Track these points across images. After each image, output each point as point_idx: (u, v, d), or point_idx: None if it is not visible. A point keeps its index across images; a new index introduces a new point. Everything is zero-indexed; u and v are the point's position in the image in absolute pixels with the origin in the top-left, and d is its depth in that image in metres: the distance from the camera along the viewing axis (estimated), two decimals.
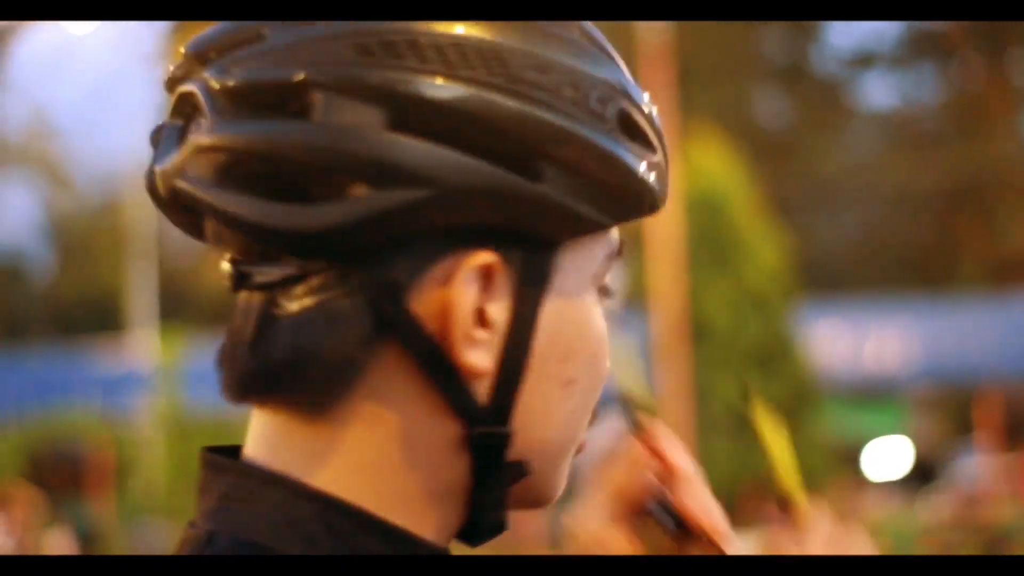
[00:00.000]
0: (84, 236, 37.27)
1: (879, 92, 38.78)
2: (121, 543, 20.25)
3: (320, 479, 0.96)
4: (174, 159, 0.97)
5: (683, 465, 1.11)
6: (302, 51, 0.94)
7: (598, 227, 0.98)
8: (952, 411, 25.93)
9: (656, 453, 1.11)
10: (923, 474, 23.05)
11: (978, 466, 20.54)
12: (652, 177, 1.00)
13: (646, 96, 1.03)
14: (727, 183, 19.03)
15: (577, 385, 1.00)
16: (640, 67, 17.78)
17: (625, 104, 0.99)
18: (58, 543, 14.01)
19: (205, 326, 23.77)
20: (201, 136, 0.95)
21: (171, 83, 1.00)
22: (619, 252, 1.04)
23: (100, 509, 22.83)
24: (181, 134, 0.97)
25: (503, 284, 0.96)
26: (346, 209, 0.91)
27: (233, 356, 0.98)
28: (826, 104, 33.69)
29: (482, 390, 0.96)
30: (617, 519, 1.11)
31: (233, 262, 0.98)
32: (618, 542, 1.11)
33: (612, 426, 1.10)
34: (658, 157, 1.01)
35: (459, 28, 0.94)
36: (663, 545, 1.12)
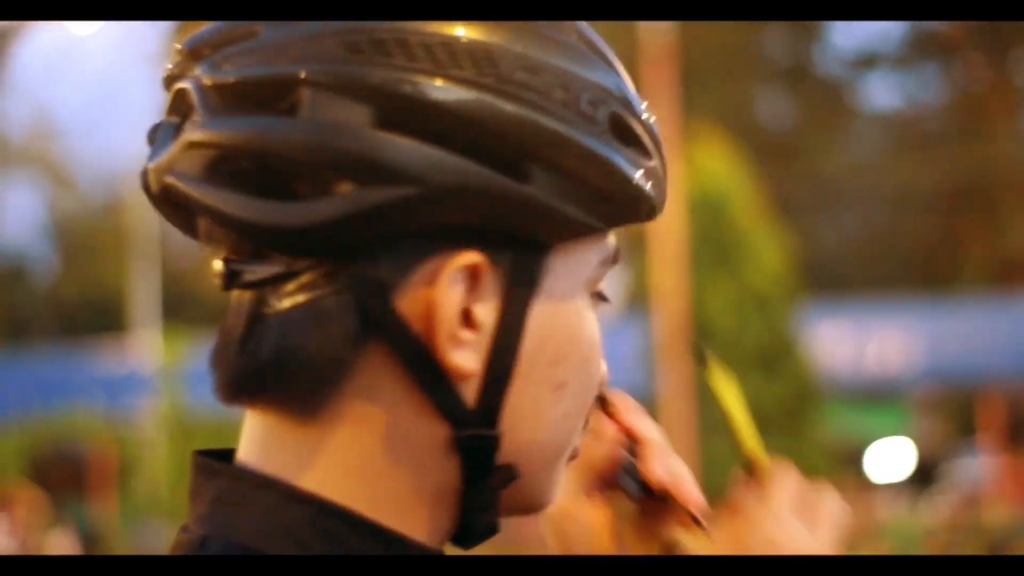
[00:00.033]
0: (87, 237, 37.29)
1: (882, 93, 38.85)
2: (123, 544, 20.26)
3: (311, 481, 0.95)
4: (166, 155, 0.97)
5: (649, 434, 1.11)
6: (292, 48, 0.94)
7: (589, 230, 0.98)
8: (955, 412, 25.94)
9: (622, 424, 1.12)
10: (926, 475, 23.05)
11: (981, 467, 20.55)
12: (647, 182, 0.99)
13: (643, 102, 1.02)
14: (730, 184, 19.03)
15: (568, 389, 0.99)
16: (643, 68, 17.79)
17: (618, 108, 0.98)
18: (60, 543, 14.02)
19: (208, 327, 23.75)
20: (191, 132, 0.95)
21: (168, 81, 1.00)
22: (615, 258, 1.03)
23: (102, 510, 22.86)
24: (176, 131, 0.97)
25: (491, 285, 0.95)
26: (333, 206, 0.91)
27: (224, 356, 0.98)
28: (829, 105, 33.70)
29: (469, 392, 0.95)
30: (587, 491, 1.12)
31: (225, 260, 0.97)
32: (588, 514, 1.12)
33: None
34: (654, 163, 1.00)
35: (450, 28, 0.94)
36: (633, 516, 1.12)
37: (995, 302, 24.68)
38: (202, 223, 0.97)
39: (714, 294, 18.44)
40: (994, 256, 29.92)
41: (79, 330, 31.26)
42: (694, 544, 1.01)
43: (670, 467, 1.11)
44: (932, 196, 30.10)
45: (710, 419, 16.23)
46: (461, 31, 0.93)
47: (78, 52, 52.19)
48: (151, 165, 0.98)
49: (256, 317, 0.96)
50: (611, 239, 1.02)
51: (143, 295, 28.02)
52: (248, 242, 0.95)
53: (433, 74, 0.92)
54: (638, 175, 0.99)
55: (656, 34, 17.96)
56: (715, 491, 1.11)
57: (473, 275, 0.94)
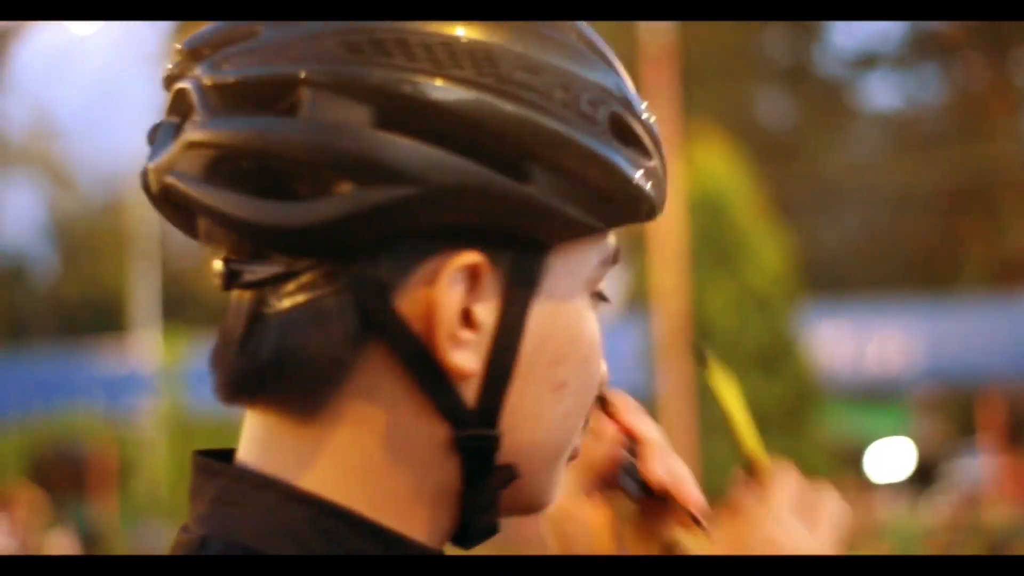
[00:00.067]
0: (87, 237, 37.29)
1: (882, 93, 38.85)
2: (123, 544, 20.26)
3: (311, 481, 0.95)
4: (166, 155, 0.97)
5: (649, 434, 1.11)
6: (292, 48, 0.93)
7: (589, 230, 0.97)
8: (955, 412, 25.94)
9: (622, 424, 1.12)
10: (926, 476, 23.05)
11: (981, 467, 20.55)
12: (647, 182, 0.99)
13: (643, 102, 1.02)
14: (730, 184, 19.04)
15: (568, 389, 0.99)
16: (643, 68, 17.79)
17: (618, 108, 0.98)
18: (60, 543, 14.02)
19: (208, 327, 23.73)
20: (191, 132, 0.95)
21: (168, 81, 1.00)
22: (615, 258, 1.03)
23: (102, 510, 22.86)
24: (176, 131, 0.97)
25: (491, 285, 0.95)
26: (332, 206, 0.91)
27: (224, 356, 0.98)
28: (829, 105, 33.70)
29: (469, 392, 0.95)
30: (587, 491, 1.12)
31: (224, 260, 0.97)
32: (588, 514, 1.12)
33: None
34: (654, 163, 1.00)
35: (450, 28, 0.93)
36: (633, 516, 1.12)
37: (995, 302, 24.68)
38: (202, 223, 0.97)
39: (714, 294, 18.44)
40: (994, 256, 29.92)
41: (79, 330, 31.26)
42: (694, 544, 1.01)
43: (670, 467, 1.11)
44: (932, 196, 30.09)
45: (710, 419, 16.23)
46: (461, 31, 0.93)
47: (78, 52, 52.18)
48: (151, 165, 0.98)
49: (256, 317, 0.95)
50: (611, 239, 1.02)
51: (143, 295, 28.01)
52: (248, 242, 0.95)
53: (433, 74, 0.92)
54: (638, 175, 0.98)
55: (656, 34, 17.96)
56: (715, 491, 1.11)
57: (473, 275, 0.94)
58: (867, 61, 34.79)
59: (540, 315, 0.97)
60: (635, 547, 1.13)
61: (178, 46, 0.99)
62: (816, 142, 32.68)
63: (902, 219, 32.12)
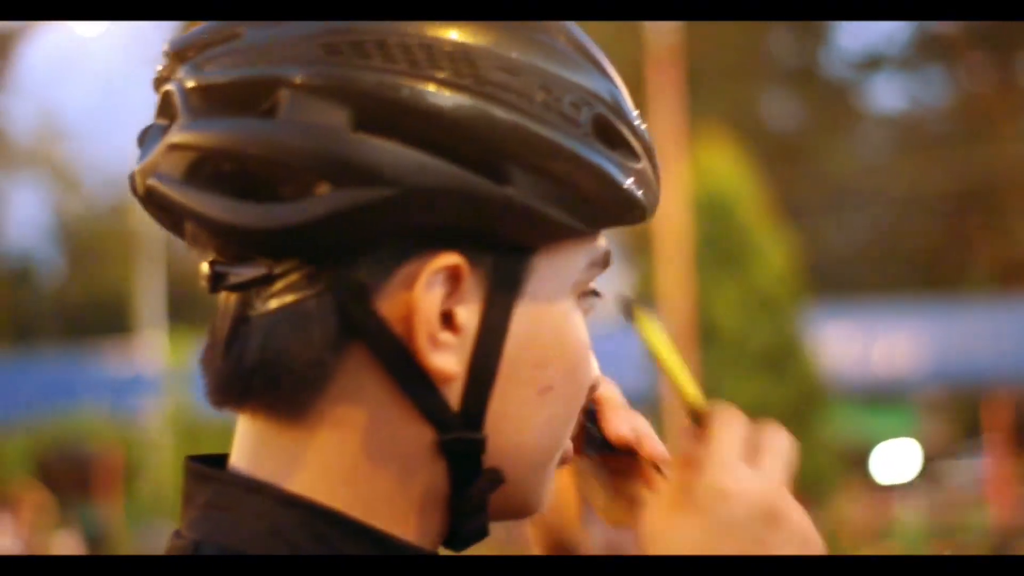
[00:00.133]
0: (93, 239, 37.28)
1: (888, 94, 38.79)
2: (129, 544, 20.26)
3: (301, 485, 0.95)
4: (150, 158, 0.97)
5: (607, 392, 1.11)
6: (273, 50, 0.94)
7: (573, 232, 0.97)
8: (961, 414, 25.91)
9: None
10: (932, 477, 23.03)
11: (987, 468, 20.54)
12: (633, 185, 0.99)
13: (633, 105, 1.02)
14: (735, 185, 19.01)
15: (554, 393, 0.99)
16: (649, 69, 17.77)
17: (603, 110, 0.98)
18: (66, 544, 14.04)
19: None
20: (173, 135, 0.96)
21: (157, 83, 1.00)
22: (606, 260, 1.03)
23: (108, 511, 22.86)
24: (163, 134, 0.97)
25: (472, 287, 0.95)
26: (311, 208, 0.91)
27: (211, 359, 0.98)
28: (835, 106, 33.66)
29: (453, 395, 0.95)
30: None
31: (210, 262, 0.98)
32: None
33: None
34: (641, 165, 1.00)
35: (430, 29, 0.93)
36: (597, 473, 1.11)
37: (1001, 304, 24.64)
38: (187, 225, 0.98)
39: (720, 295, 18.42)
40: (1000, 258, 29.89)
41: (85, 332, 31.25)
42: (656, 497, 0.99)
43: (631, 422, 1.10)
44: (938, 197, 30.06)
45: None
46: (441, 32, 0.93)
47: (84, 53, 52.23)
48: (137, 167, 0.98)
49: (241, 320, 0.96)
50: (601, 241, 1.02)
51: (149, 297, 28.01)
52: (231, 244, 0.95)
53: (411, 76, 0.92)
54: (623, 177, 0.98)
55: (662, 35, 17.94)
56: None
57: (454, 277, 0.94)
58: (873, 63, 34.76)
59: (524, 317, 0.97)
60: (599, 504, 1.13)
61: (165, 48, 0.99)
62: (822, 143, 32.65)
63: (908, 220, 32.09)
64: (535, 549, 1.16)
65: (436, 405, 0.95)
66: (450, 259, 0.93)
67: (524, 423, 0.98)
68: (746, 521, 0.95)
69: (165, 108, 0.98)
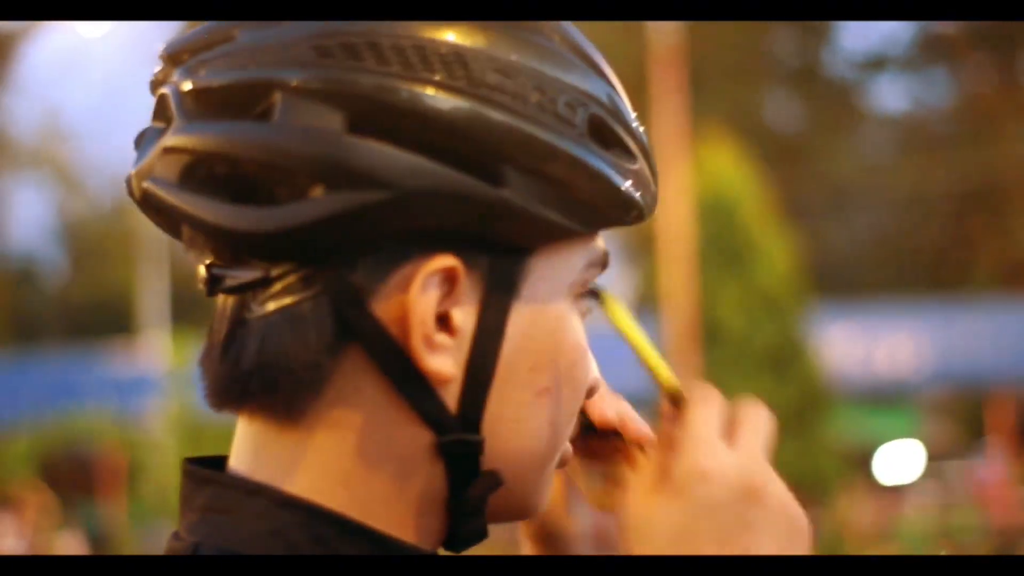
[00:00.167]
0: (96, 239, 37.29)
1: (891, 95, 38.79)
2: (132, 545, 20.27)
3: (300, 486, 0.95)
4: (145, 161, 0.97)
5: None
6: (266, 53, 0.93)
7: (569, 234, 0.97)
8: (964, 415, 25.91)
9: None
10: (935, 478, 23.02)
11: (990, 469, 20.53)
12: (629, 185, 0.99)
13: (627, 104, 1.01)
14: (738, 186, 19.01)
15: (551, 395, 0.99)
16: (652, 69, 17.77)
17: (598, 111, 0.97)
18: (69, 545, 14.04)
19: None
20: (168, 138, 0.95)
21: (153, 86, 1.00)
22: (604, 261, 1.02)
23: (111, 511, 22.87)
24: (160, 137, 0.97)
25: (468, 289, 0.95)
26: (305, 211, 0.91)
27: (210, 362, 0.98)
28: (838, 107, 33.65)
29: (450, 397, 0.95)
30: None
31: (207, 265, 0.98)
32: None
33: None
34: (638, 165, 1.00)
35: (423, 30, 0.93)
36: (581, 455, 1.10)
37: (1005, 304, 24.63)
38: (184, 228, 0.98)
39: (723, 296, 18.42)
40: (1004, 259, 29.87)
41: (88, 332, 31.26)
42: (635, 480, 0.99)
43: (615, 405, 1.09)
44: (941, 198, 30.05)
45: None
46: (434, 33, 0.93)
47: (88, 54, 52.26)
48: (133, 170, 0.99)
49: (238, 322, 0.96)
50: (599, 242, 1.01)
51: (152, 297, 28.02)
52: (227, 247, 0.95)
53: (404, 78, 0.92)
54: (619, 178, 0.98)
55: (664, 35, 17.94)
56: None
57: (449, 279, 0.94)
58: (876, 63, 34.74)
59: (521, 319, 0.96)
60: (585, 489, 1.12)
61: (160, 51, 0.99)
62: (825, 144, 32.64)
63: (911, 221, 32.07)
64: (522, 534, 1.16)
65: (433, 407, 0.95)
66: (446, 261, 0.93)
67: (522, 425, 0.98)
68: (726, 500, 0.94)
69: (161, 111, 0.98)
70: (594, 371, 1.04)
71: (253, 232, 0.92)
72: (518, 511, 1.03)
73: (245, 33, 0.95)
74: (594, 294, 1.01)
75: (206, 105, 0.95)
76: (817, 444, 18.01)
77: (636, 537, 0.95)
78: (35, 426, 23.63)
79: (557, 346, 0.99)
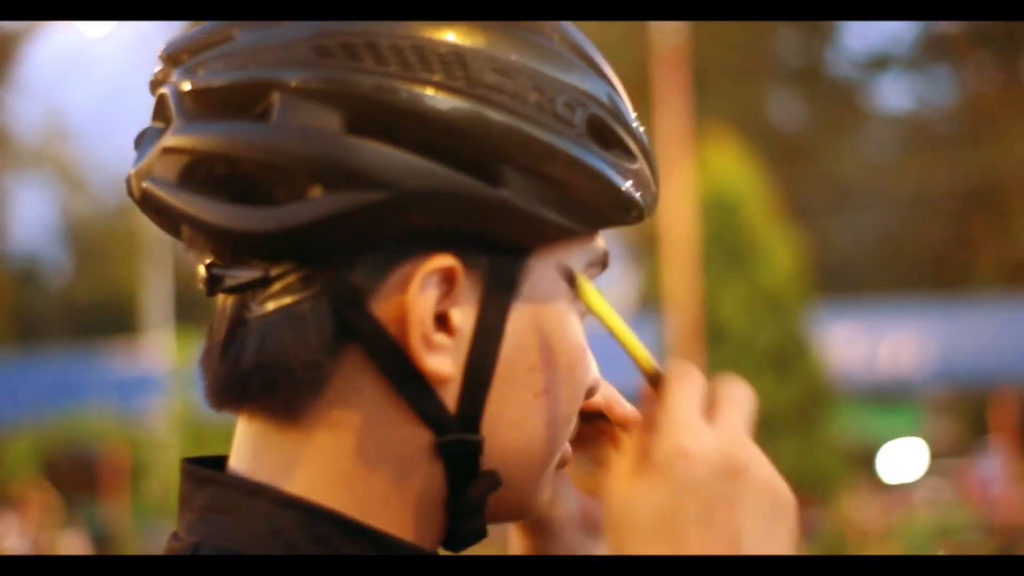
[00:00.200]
0: (99, 239, 37.29)
1: (894, 94, 38.75)
2: (135, 544, 20.27)
3: (299, 487, 0.95)
4: (144, 161, 0.97)
5: None
6: (265, 53, 0.93)
7: (568, 234, 0.97)
8: (967, 413, 25.90)
9: None
10: (938, 476, 23.01)
11: (993, 468, 20.52)
12: (629, 185, 0.98)
13: (627, 104, 1.01)
14: (742, 185, 18.99)
15: (551, 395, 0.98)
16: (655, 69, 17.77)
17: (597, 111, 0.97)
18: (72, 544, 14.05)
19: None
20: (167, 138, 0.96)
21: (153, 86, 1.00)
22: (604, 261, 1.02)
23: (115, 511, 22.88)
24: (160, 138, 0.97)
25: (468, 289, 0.95)
26: (303, 211, 0.91)
27: (210, 361, 0.98)
28: (841, 106, 33.64)
29: (449, 397, 0.95)
30: None
31: (207, 265, 0.98)
32: None
33: None
34: (638, 165, 1.00)
35: (422, 30, 0.93)
36: (573, 451, 1.09)
37: (1007, 303, 24.61)
38: (183, 228, 0.98)
39: (726, 295, 18.41)
40: (1007, 257, 29.85)
41: (91, 332, 31.27)
42: (616, 463, 0.98)
43: (599, 388, 1.08)
44: (945, 197, 30.04)
45: None
46: (433, 34, 0.93)
47: (91, 54, 52.26)
48: (133, 170, 0.99)
49: (238, 322, 0.96)
50: (598, 242, 1.01)
51: (155, 297, 28.02)
52: (226, 247, 0.95)
53: (403, 78, 0.92)
54: (618, 178, 0.98)
55: (668, 35, 17.93)
56: None
57: (448, 279, 0.94)
58: (879, 63, 34.71)
59: (520, 319, 0.96)
60: (572, 473, 1.12)
61: (160, 52, 0.99)
62: (828, 143, 32.62)
63: (915, 220, 32.07)
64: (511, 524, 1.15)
65: (432, 407, 0.95)
66: (444, 261, 0.93)
67: (521, 425, 0.98)
68: (708, 479, 0.92)
69: (160, 111, 0.98)
70: (594, 371, 1.04)
71: (252, 232, 0.92)
72: (518, 511, 1.03)
73: (244, 33, 0.95)
74: (569, 279, 1.00)
75: (205, 105, 0.95)
76: (820, 443, 18.00)
77: (618, 520, 0.94)
78: (38, 425, 23.63)
79: (556, 346, 0.98)
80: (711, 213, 18.36)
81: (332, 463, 0.95)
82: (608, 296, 1.02)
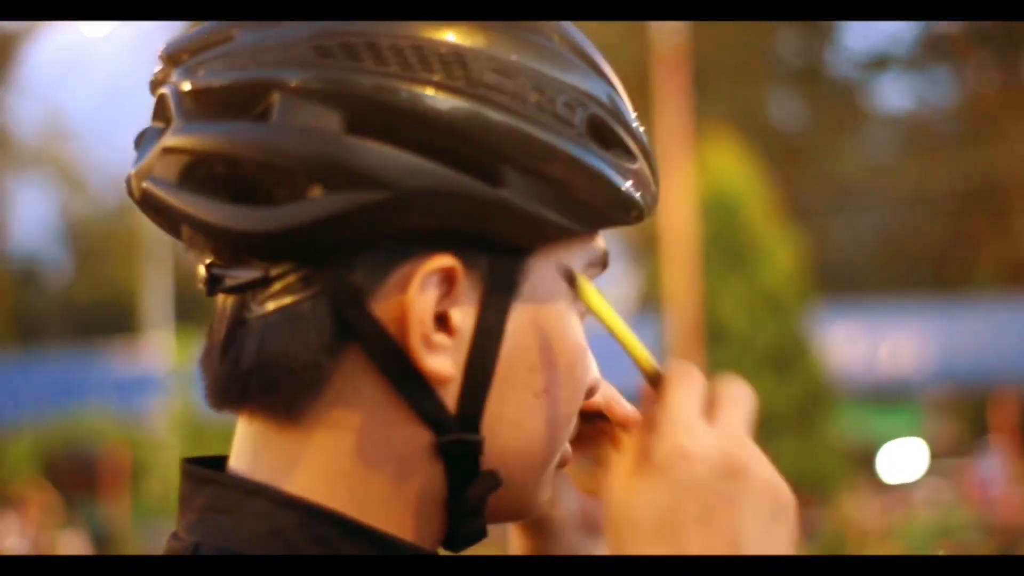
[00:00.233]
0: (99, 239, 37.29)
1: (894, 94, 38.75)
2: (135, 544, 20.27)
3: (299, 487, 0.95)
4: (144, 161, 0.97)
5: None
6: (265, 53, 0.93)
7: (568, 234, 0.97)
8: (968, 413, 25.90)
9: None
10: (938, 476, 23.01)
11: (993, 468, 20.52)
12: (628, 185, 0.98)
13: (627, 104, 1.01)
14: (742, 185, 18.99)
15: (550, 395, 0.98)
16: (655, 69, 17.77)
17: (597, 111, 0.97)
18: (72, 544, 14.05)
19: None
20: (167, 138, 0.95)
21: (153, 86, 1.00)
22: (604, 261, 1.02)
23: (114, 510, 22.88)
24: (160, 138, 0.97)
25: (468, 289, 0.95)
26: (303, 211, 0.91)
27: (210, 361, 0.98)
28: (841, 106, 33.64)
29: (450, 397, 0.95)
30: None
31: (207, 265, 0.98)
32: None
33: None
34: (638, 165, 1.00)
35: (422, 30, 0.93)
36: (573, 451, 1.08)
37: (1008, 303, 24.61)
38: (183, 228, 0.98)
39: (726, 295, 18.41)
40: (1007, 257, 29.85)
41: (91, 332, 31.27)
42: (616, 463, 0.98)
43: (599, 388, 1.08)
44: (945, 197, 30.04)
45: None
46: (433, 34, 0.93)
47: (91, 54, 52.27)
48: (133, 170, 0.98)
49: (238, 322, 0.96)
50: (598, 242, 1.01)
51: (155, 297, 28.02)
52: (226, 247, 0.95)
53: (403, 78, 0.91)
54: (618, 178, 0.98)
55: (668, 35, 17.93)
56: None
57: (448, 279, 0.94)
58: (879, 63, 34.71)
59: (520, 319, 0.96)
60: (572, 473, 1.12)
61: (160, 51, 0.99)
62: (828, 143, 32.62)
63: (915, 220, 32.07)
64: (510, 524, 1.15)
65: (432, 407, 0.95)
66: (444, 261, 0.93)
67: (521, 426, 0.98)
68: (708, 479, 0.92)
69: (160, 111, 0.98)
70: (594, 371, 1.04)
71: (252, 232, 0.92)
72: (517, 511, 1.03)
73: (244, 33, 0.95)
74: (568, 279, 0.99)
75: (205, 105, 0.95)
76: (820, 443, 18.00)
77: (618, 520, 0.94)
78: (38, 425, 23.63)
79: (556, 346, 0.98)
80: (711, 213, 18.36)
81: (332, 463, 0.95)
82: (608, 296, 1.02)
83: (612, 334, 1.01)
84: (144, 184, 0.97)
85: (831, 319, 20.60)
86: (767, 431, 16.64)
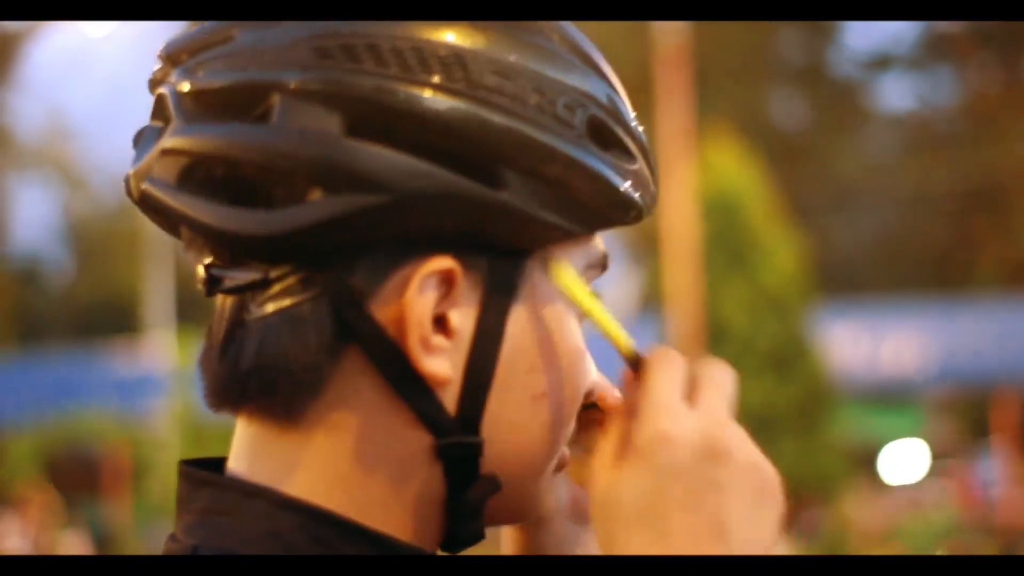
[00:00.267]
0: (101, 238, 37.29)
1: (895, 94, 38.76)
2: (136, 545, 20.27)
3: (298, 488, 0.95)
4: (143, 161, 0.97)
5: None
6: (264, 54, 0.93)
7: (568, 235, 0.97)
8: (969, 414, 25.88)
9: None
10: (940, 477, 23.01)
11: (995, 468, 20.53)
12: (628, 186, 0.98)
13: (627, 105, 1.01)
14: (743, 185, 18.98)
15: (550, 397, 0.98)
16: (657, 69, 17.76)
17: (597, 112, 0.97)
18: (73, 544, 14.05)
19: None
20: (166, 139, 0.95)
21: (151, 86, 1.00)
22: (603, 262, 1.02)
23: (116, 510, 22.88)
24: (159, 137, 0.97)
25: (467, 291, 0.94)
26: (303, 214, 0.91)
27: (209, 362, 0.98)
28: (843, 106, 33.63)
29: (449, 399, 0.95)
30: None
31: (206, 266, 0.97)
32: None
33: None
34: (637, 166, 0.99)
35: (421, 31, 0.93)
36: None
37: (1009, 303, 24.60)
38: (183, 229, 0.97)
39: (728, 295, 18.40)
40: (1008, 257, 29.84)
41: (93, 332, 31.27)
42: (599, 450, 0.97)
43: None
44: (946, 197, 30.04)
45: None
46: (432, 35, 0.93)
47: (92, 54, 52.25)
48: (131, 171, 0.98)
49: (237, 323, 0.96)
50: (598, 243, 1.01)
51: (157, 297, 28.02)
52: (225, 249, 0.95)
53: (403, 80, 0.91)
54: (617, 179, 0.98)
55: (669, 35, 17.93)
56: None
57: (447, 281, 0.93)
58: (881, 63, 34.71)
59: (519, 321, 0.96)
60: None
61: (159, 51, 0.99)
62: (829, 143, 32.61)
63: (916, 220, 32.06)
64: None
65: (431, 409, 0.94)
66: (443, 263, 0.93)
67: (520, 428, 0.97)
68: (691, 463, 0.92)
69: (159, 111, 0.98)
70: (593, 373, 1.04)
71: (252, 235, 0.92)
72: (516, 513, 1.03)
73: (243, 34, 0.95)
74: (544, 263, 0.99)
75: (205, 106, 0.94)
76: (821, 443, 17.99)
77: (602, 506, 0.93)
78: (39, 425, 23.64)
79: (556, 348, 0.98)
80: (712, 213, 18.35)
81: (331, 465, 0.95)
82: (608, 296, 1.01)
83: (589, 318, 1.01)
84: (143, 185, 0.96)
85: (832, 319, 20.60)
86: (768, 431, 16.62)
